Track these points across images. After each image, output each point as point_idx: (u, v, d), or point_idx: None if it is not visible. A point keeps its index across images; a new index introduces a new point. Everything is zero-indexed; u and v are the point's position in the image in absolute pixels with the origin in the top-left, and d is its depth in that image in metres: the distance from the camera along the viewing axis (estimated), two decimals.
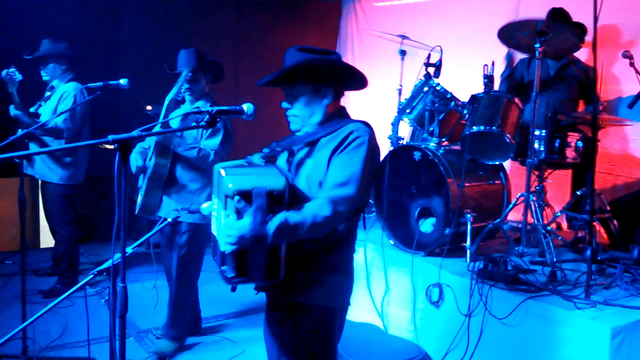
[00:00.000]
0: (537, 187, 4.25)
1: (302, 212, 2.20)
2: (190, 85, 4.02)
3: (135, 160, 4.03)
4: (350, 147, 2.31)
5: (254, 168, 2.35)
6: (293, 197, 2.25)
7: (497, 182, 4.46)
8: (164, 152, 3.98)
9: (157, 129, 3.57)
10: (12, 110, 4.60)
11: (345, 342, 2.82)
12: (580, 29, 4.37)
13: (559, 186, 4.87)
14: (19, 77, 4.46)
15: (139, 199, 4.07)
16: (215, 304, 4.79)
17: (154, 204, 4.02)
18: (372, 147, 2.36)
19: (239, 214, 2.15)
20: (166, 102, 3.93)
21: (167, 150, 3.97)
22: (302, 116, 2.45)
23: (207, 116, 2.31)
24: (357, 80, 2.53)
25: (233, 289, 2.35)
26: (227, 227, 2.16)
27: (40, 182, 5.12)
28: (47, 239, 6.15)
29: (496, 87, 4.69)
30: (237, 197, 2.13)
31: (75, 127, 4.90)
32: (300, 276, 2.36)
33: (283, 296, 2.42)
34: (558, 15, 4.48)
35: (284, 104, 2.47)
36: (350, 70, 2.49)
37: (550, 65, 4.77)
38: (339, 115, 2.49)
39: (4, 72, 4.41)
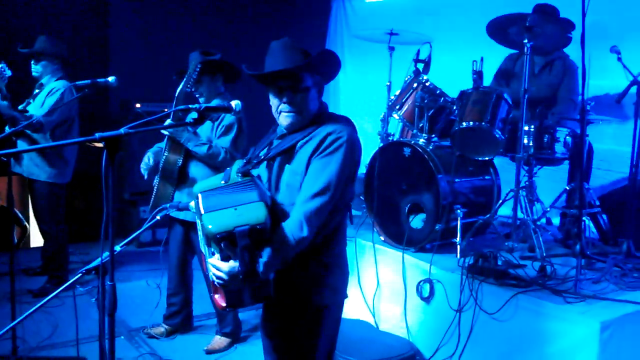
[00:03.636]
0: (527, 183, 4.27)
1: (285, 239, 2.16)
2: (197, 86, 3.95)
3: (147, 159, 4.04)
4: (327, 150, 2.25)
5: (232, 194, 2.22)
6: (275, 215, 2.21)
7: (487, 177, 4.47)
8: (175, 147, 3.96)
9: (168, 121, 3.62)
10: None
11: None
12: (568, 24, 4.38)
13: (549, 181, 4.89)
14: (8, 72, 4.42)
15: (153, 196, 4.06)
16: (207, 302, 4.76)
17: (166, 200, 3.99)
18: (350, 145, 2.28)
19: (223, 251, 2.11)
20: (176, 95, 3.88)
21: (178, 146, 3.95)
22: (306, 110, 2.35)
23: (195, 113, 2.30)
24: (335, 74, 2.49)
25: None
26: (215, 268, 2.14)
27: (27, 180, 5.08)
28: (36, 238, 6.11)
29: (486, 83, 4.69)
30: (220, 241, 2.08)
31: (54, 123, 4.80)
32: (293, 276, 2.34)
33: (278, 296, 2.40)
34: (544, 11, 4.49)
35: (286, 98, 2.33)
36: (338, 63, 2.44)
37: (537, 61, 4.78)
38: (322, 109, 2.43)
39: None
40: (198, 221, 2.37)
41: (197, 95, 4.01)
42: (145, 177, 4.10)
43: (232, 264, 2.10)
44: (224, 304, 2.23)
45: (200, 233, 2.37)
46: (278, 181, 2.39)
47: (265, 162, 2.45)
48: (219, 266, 2.13)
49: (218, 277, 2.14)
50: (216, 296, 2.29)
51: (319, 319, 2.42)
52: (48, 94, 4.85)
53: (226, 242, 2.08)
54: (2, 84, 4.44)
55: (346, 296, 2.53)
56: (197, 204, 2.24)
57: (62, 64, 5.05)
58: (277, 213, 2.26)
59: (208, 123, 4.01)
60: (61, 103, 4.75)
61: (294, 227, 2.19)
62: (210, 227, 2.08)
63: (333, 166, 2.24)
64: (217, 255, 2.15)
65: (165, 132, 3.95)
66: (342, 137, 2.27)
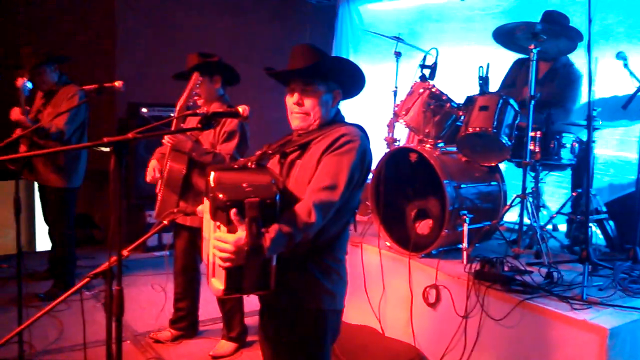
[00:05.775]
0: (533, 188, 4.26)
1: (293, 220, 2.15)
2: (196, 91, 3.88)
3: (151, 168, 4.02)
4: (340, 149, 2.30)
5: (244, 173, 2.28)
6: (284, 200, 2.20)
7: (493, 183, 4.46)
8: (177, 156, 3.94)
9: None
10: (15, 114, 4.58)
11: (342, 344, 2.82)
12: (576, 34, 4.38)
13: (556, 187, 4.88)
14: (30, 86, 4.56)
15: (157, 205, 4.04)
16: (213, 307, 4.77)
17: (171, 208, 3.95)
18: (363, 151, 2.34)
19: (231, 224, 2.06)
20: (177, 108, 3.84)
21: (181, 156, 3.92)
22: (314, 114, 2.40)
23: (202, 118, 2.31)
24: (358, 88, 2.54)
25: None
26: (219, 241, 2.07)
27: (38, 185, 5.10)
28: (42, 243, 6.14)
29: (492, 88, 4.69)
30: (229, 209, 2.04)
31: (73, 129, 4.85)
32: (291, 280, 2.34)
33: (275, 300, 2.41)
34: (552, 18, 4.49)
35: (295, 99, 2.40)
36: (361, 77, 2.49)
37: (541, 68, 4.77)
38: (338, 118, 2.50)
39: (20, 82, 4.50)
40: (206, 201, 2.37)
41: (195, 98, 3.94)
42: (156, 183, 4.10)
43: (239, 234, 2.04)
44: (221, 287, 2.13)
45: (206, 204, 2.38)
46: (288, 176, 2.42)
47: (277, 158, 2.50)
48: (224, 238, 2.06)
49: (222, 251, 2.05)
50: (213, 280, 2.22)
51: (314, 324, 2.42)
52: (66, 98, 4.84)
53: (235, 211, 2.04)
54: (23, 99, 4.50)
55: (343, 305, 2.52)
56: (209, 180, 2.25)
57: (57, 63, 5.02)
58: (287, 198, 2.26)
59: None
60: (76, 106, 4.77)
61: (302, 211, 2.19)
62: (221, 196, 2.07)
63: (344, 165, 2.28)
64: (223, 228, 2.10)
65: (167, 143, 3.93)
66: (356, 140, 2.33)
